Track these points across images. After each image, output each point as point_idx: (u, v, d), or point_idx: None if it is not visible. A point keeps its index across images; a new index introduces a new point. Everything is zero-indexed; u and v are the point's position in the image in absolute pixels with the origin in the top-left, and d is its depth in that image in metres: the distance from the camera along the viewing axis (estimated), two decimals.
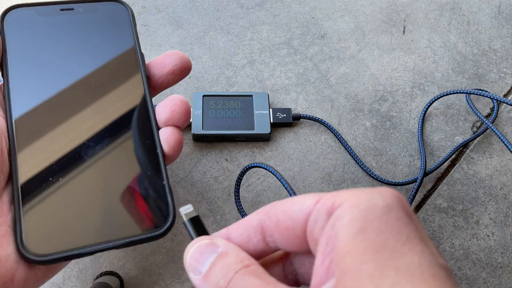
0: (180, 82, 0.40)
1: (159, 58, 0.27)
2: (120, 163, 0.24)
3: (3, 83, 0.25)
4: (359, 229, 0.15)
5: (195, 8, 0.46)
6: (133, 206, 0.23)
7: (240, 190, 0.35)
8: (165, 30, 0.44)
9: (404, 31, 0.46)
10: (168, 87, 0.28)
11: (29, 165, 0.23)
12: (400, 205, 0.15)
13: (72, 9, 0.28)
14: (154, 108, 0.26)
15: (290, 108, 0.38)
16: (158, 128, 0.25)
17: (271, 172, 0.28)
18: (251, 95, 0.38)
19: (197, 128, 0.36)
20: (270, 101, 0.40)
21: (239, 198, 0.32)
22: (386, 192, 0.16)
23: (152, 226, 0.22)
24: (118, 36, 0.27)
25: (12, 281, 0.20)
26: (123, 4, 0.29)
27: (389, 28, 0.46)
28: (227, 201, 0.34)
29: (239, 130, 0.36)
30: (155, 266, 0.31)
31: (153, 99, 0.27)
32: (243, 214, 0.32)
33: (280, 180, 0.27)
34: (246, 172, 0.31)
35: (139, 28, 0.44)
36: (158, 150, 0.24)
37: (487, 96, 0.35)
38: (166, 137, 0.24)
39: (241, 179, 0.31)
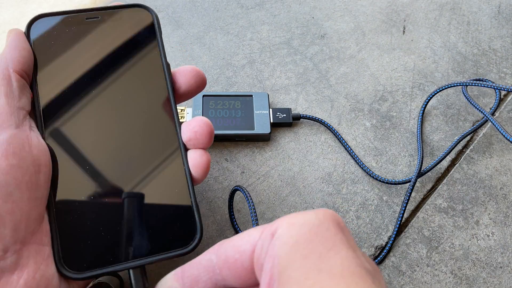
0: None
1: (174, 76, 0.26)
2: (148, 183, 0.24)
3: (33, 96, 0.24)
4: (293, 243, 0.17)
5: (195, 8, 0.46)
6: (162, 225, 0.24)
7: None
8: (165, 30, 0.44)
9: (404, 31, 0.46)
10: (185, 101, 0.28)
11: (63, 185, 0.23)
12: (331, 219, 0.17)
13: (98, 17, 0.27)
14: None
15: (290, 108, 0.38)
16: (186, 148, 0.25)
17: (246, 197, 0.29)
18: (251, 95, 0.38)
19: None
20: (270, 101, 0.40)
21: (233, 216, 0.32)
22: (320, 211, 0.18)
23: (180, 243, 0.23)
24: (144, 45, 0.27)
25: None
26: (148, 9, 0.28)
27: (389, 28, 0.46)
28: (227, 201, 0.34)
29: (239, 130, 0.36)
30: (154, 266, 0.31)
31: None
32: (238, 230, 0.32)
33: (249, 207, 0.29)
34: (233, 194, 0.32)
35: None
36: (185, 168, 0.24)
37: (486, 86, 0.35)
38: (192, 159, 0.25)
39: (232, 201, 0.33)
